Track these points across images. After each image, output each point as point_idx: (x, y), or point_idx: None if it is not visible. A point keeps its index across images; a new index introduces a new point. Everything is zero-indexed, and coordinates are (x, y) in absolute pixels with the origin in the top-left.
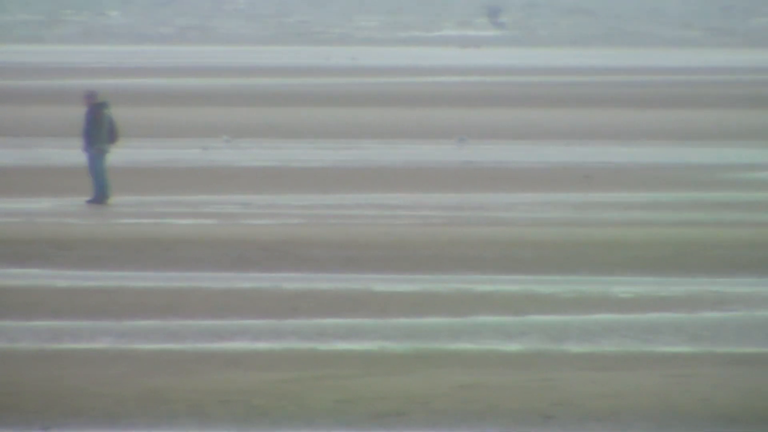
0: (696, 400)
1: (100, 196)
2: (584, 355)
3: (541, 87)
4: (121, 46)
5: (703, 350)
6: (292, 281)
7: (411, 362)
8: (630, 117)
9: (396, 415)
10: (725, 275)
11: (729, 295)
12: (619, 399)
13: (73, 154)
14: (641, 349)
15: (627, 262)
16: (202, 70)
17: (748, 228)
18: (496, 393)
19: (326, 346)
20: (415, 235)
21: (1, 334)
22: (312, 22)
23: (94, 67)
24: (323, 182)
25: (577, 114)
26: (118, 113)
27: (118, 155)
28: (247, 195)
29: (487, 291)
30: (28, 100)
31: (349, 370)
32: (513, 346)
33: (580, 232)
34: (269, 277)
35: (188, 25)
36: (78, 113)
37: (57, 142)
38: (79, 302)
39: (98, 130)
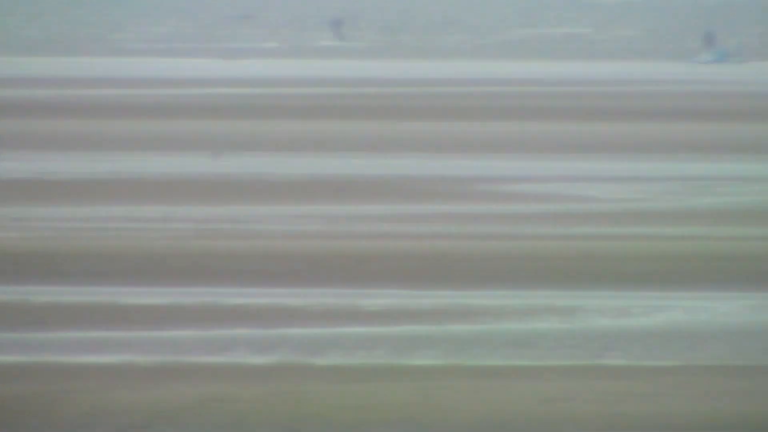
0: (442, 412)
1: None
2: (333, 368)
3: (323, 98)
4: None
5: (452, 363)
6: (39, 294)
7: (158, 375)
8: (390, 128)
9: (141, 428)
10: (474, 288)
11: (477, 308)
12: (368, 412)
13: None
14: (390, 362)
15: (377, 275)
16: None
17: (497, 241)
18: (244, 406)
19: (73, 359)
20: (165, 247)
21: None
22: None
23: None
24: (75, 194)
25: (342, 125)
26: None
27: None
28: None
29: (237, 304)
30: None
31: (96, 383)
32: (262, 359)
33: (333, 244)
34: (16, 290)
35: None
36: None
37: None
38: None
39: None
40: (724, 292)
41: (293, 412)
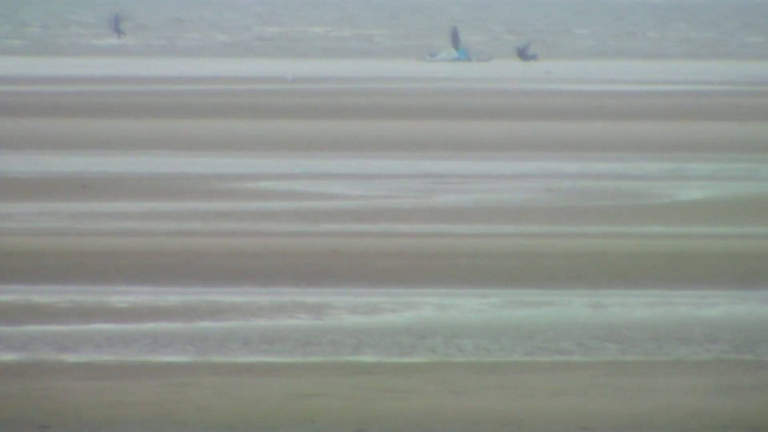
0: (193, 409)
1: None
2: (82, 365)
3: (69, 96)
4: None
5: (202, 360)
6: None
7: None
8: (134, 126)
9: None
10: (222, 285)
11: (225, 305)
12: (118, 409)
13: None
14: (139, 359)
15: (126, 272)
16: None
17: (243, 238)
18: None
19: None
20: None
21: None
22: None
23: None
24: None
25: (88, 123)
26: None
27: None
28: None
29: None
30: None
31: None
32: (11, 356)
33: (77, 241)
34: None
35: None
36: None
37: None
38: None
39: None
40: (471, 288)
41: (43, 409)
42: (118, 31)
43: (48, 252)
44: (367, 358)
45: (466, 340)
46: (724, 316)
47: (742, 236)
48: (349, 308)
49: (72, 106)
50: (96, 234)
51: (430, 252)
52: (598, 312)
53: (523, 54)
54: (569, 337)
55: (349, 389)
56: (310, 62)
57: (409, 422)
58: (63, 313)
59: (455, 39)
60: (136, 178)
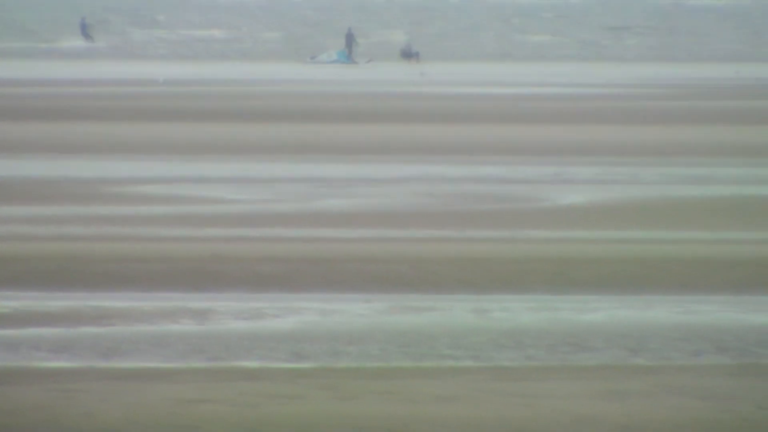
0: (79, 414)
1: None
2: None
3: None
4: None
5: (86, 365)
6: None
7: None
8: (16, 129)
9: None
10: (105, 290)
11: (109, 310)
12: (4, 416)
13: None
14: (23, 365)
15: (5, 277)
16: None
17: (125, 243)
18: None
19: None
20: None
21: None
22: None
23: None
24: None
25: None
26: None
27: None
28: None
29: None
30: None
31: None
32: None
33: None
34: None
35: None
36: None
37: None
38: None
39: None
40: (355, 294)
41: None
42: (86, 35)
43: None
44: (252, 363)
45: (350, 345)
46: (609, 321)
47: (624, 240)
48: (233, 313)
49: None
50: None
51: (313, 257)
52: (483, 317)
53: (406, 54)
54: (454, 343)
55: (234, 395)
56: (191, 64)
57: (295, 428)
58: None
59: (349, 41)
60: (17, 182)
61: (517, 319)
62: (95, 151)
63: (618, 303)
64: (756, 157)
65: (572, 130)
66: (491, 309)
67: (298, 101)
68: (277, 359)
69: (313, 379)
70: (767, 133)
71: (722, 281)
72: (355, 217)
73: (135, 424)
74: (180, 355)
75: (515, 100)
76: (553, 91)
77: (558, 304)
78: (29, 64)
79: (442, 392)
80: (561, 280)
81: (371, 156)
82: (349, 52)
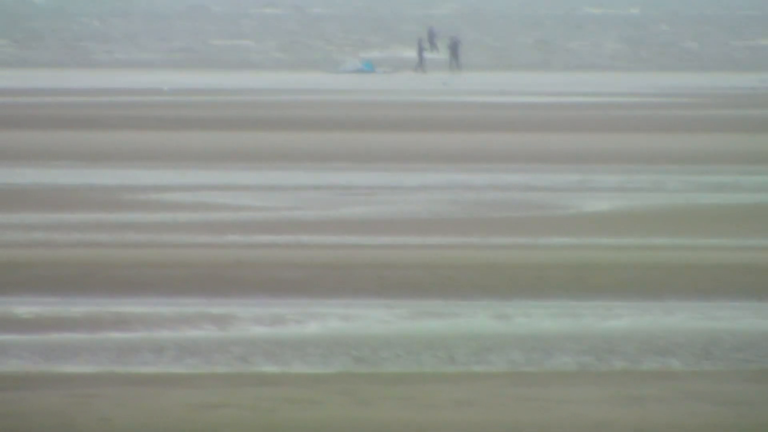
0: (96, 419)
1: None
2: None
3: None
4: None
5: (106, 370)
6: None
7: None
8: (33, 138)
9: None
10: (126, 295)
11: (129, 315)
12: (19, 420)
13: None
14: (43, 369)
15: (28, 282)
16: None
17: (148, 249)
18: None
19: None
20: None
21: None
22: None
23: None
24: None
25: None
26: None
27: None
28: None
29: None
30: None
31: None
32: None
33: None
34: None
35: None
36: None
37: None
38: None
39: None
40: (376, 299)
41: None
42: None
43: None
44: (272, 368)
45: (370, 351)
46: (629, 327)
47: (647, 247)
48: (254, 319)
49: None
50: (0, 245)
51: (335, 263)
52: (503, 323)
53: (431, 37)
54: (474, 348)
55: (254, 400)
56: (222, 74)
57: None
58: None
59: (432, 38)
60: (40, 189)
61: (537, 324)
62: (119, 158)
63: (639, 309)
64: None
65: (596, 138)
66: (512, 315)
67: (321, 110)
68: (297, 364)
69: (333, 384)
70: None
71: (742, 288)
72: (376, 223)
73: (152, 429)
74: (199, 361)
75: (541, 109)
76: (576, 100)
77: (579, 310)
78: (53, 74)
79: (461, 397)
80: (583, 287)
81: (394, 164)
82: (424, 50)
